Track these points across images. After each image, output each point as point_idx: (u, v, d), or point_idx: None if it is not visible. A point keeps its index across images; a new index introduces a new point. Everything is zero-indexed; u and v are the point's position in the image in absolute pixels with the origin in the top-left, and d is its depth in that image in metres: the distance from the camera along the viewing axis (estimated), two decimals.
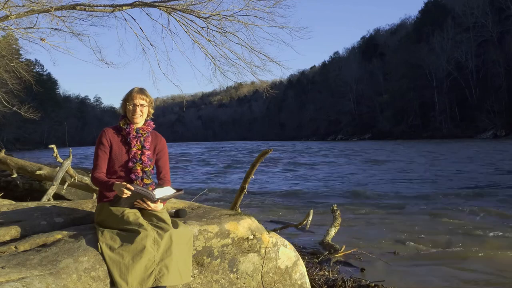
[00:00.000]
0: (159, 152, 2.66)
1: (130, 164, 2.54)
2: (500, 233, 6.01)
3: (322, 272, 4.01)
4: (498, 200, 9.12)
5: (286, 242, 2.89)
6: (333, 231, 5.51)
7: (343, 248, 5.13)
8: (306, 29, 13.22)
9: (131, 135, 2.58)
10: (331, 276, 3.89)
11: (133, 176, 2.53)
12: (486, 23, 59.93)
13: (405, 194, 10.51)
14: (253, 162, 4.73)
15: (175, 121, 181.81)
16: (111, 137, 2.55)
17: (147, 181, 2.55)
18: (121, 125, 2.61)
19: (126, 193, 2.33)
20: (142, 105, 2.57)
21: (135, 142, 2.57)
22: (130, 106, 2.57)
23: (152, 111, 2.67)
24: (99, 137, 2.57)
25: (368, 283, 3.69)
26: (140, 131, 2.60)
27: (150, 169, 2.59)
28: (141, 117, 2.60)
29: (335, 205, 5.78)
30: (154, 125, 2.69)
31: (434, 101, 64.74)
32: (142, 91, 2.60)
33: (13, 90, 13.26)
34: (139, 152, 2.57)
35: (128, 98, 2.58)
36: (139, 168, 2.54)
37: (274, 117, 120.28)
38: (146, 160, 2.57)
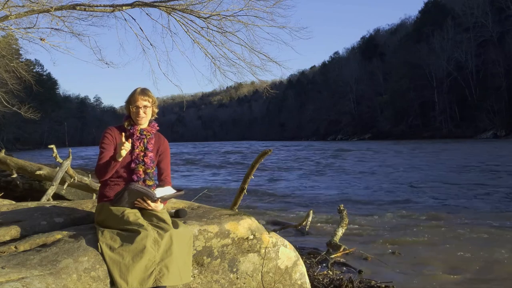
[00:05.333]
0: (161, 154, 2.67)
1: (133, 165, 2.54)
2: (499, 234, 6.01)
3: (325, 272, 3.99)
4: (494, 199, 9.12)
5: (286, 242, 2.89)
6: (340, 232, 5.49)
7: (342, 248, 5.12)
8: (306, 29, 13.29)
9: (135, 136, 2.58)
10: (335, 276, 3.85)
11: (135, 177, 2.53)
12: (486, 23, 59.95)
13: (406, 195, 10.52)
14: (253, 163, 4.72)
15: (175, 121, 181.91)
16: (116, 136, 2.56)
17: (149, 183, 2.56)
18: (125, 126, 2.62)
19: (125, 147, 2.37)
20: (145, 107, 2.58)
21: (138, 144, 2.58)
22: (134, 109, 2.57)
23: (156, 111, 2.68)
24: (104, 133, 2.58)
25: (379, 283, 3.67)
26: (144, 133, 2.61)
27: (152, 170, 2.60)
28: (145, 118, 2.60)
29: (342, 205, 5.77)
30: (158, 127, 2.69)
31: (434, 101, 64.77)
32: (144, 92, 2.60)
33: (13, 90, 13.25)
34: (142, 153, 2.57)
35: (131, 101, 2.58)
36: (141, 169, 2.55)
37: (274, 117, 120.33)
38: (149, 162, 2.57)
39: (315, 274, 3.79)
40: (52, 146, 5.58)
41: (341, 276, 3.80)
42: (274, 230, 4.99)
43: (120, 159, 2.44)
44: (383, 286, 3.62)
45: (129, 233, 2.23)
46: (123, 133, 2.47)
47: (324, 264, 4.54)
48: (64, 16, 9.68)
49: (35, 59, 77.53)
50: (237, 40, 10.19)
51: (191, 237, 2.39)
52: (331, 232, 5.79)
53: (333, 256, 4.91)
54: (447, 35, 63.23)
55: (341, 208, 5.68)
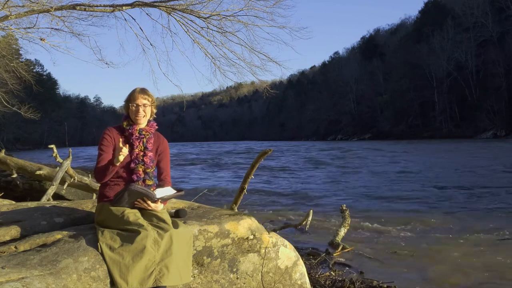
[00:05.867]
0: (160, 153, 2.67)
1: (132, 165, 2.54)
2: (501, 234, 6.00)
3: (328, 274, 3.98)
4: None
5: (286, 242, 2.89)
6: (342, 232, 5.49)
7: (340, 248, 5.12)
8: (306, 29, 13.33)
9: (134, 136, 2.58)
10: (337, 277, 3.83)
11: (134, 177, 2.53)
12: (486, 23, 59.94)
13: (406, 195, 10.51)
14: (253, 163, 4.73)
15: (175, 121, 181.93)
16: (115, 137, 2.56)
17: (149, 182, 2.56)
18: (124, 125, 2.62)
19: (123, 152, 2.37)
20: (144, 105, 2.58)
21: (137, 143, 2.58)
22: (133, 107, 2.58)
23: (155, 111, 2.68)
24: (103, 135, 2.57)
25: (380, 283, 3.66)
26: (143, 132, 2.61)
27: (152, 170, 2.60)
28: (144, 117, 2.60)
29: (344, 205, 5.77)
30: (157, 127, 2.70)
31: (434, 101, 64.77)
32: (144, 91, 2.61)
33: (13, 90, 13.26)
34: (141, 153, 2.57)
35: (131, 99, 2.59)
36: (141, 169, 2.55)
37: (274, 117, 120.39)
38: (148, 162, 2.57)
39: (317, 276, 3.78)
40: (52, 146, 5.58)
41: (344, 278, 3.80)
42: (274, 230, 5.00)
43: (117, 164, 2.44)
44: (385, 286, 3.61)
45: (129, 233, 2.23)
46: (121, 139, 2.47)
47: (325, 264, 4.53)
48: (64, 16, 9.70)
49: (35, 59, 77.68)
50: (237, 40, 10.23)
51: (191, 237, 2.39)
52: (333, 232, 5.79)
53: (333, 255, 4.91)
54: (447, 35, 63.22)
55: (344, 208, 5.68)
